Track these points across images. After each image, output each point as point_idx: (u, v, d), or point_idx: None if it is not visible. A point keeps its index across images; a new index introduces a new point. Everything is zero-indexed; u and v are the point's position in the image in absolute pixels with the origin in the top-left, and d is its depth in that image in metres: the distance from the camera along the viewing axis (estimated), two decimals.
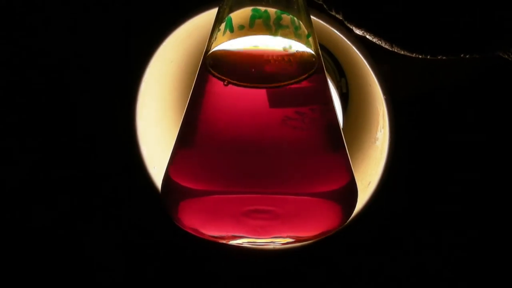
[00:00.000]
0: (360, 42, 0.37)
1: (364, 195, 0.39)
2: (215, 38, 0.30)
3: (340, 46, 0.41)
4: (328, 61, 0.45)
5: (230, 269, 0.50)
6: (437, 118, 0.47)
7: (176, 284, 0.50)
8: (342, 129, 0.43)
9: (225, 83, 0.29)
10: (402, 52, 0.26)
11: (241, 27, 0.29)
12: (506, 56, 0.26)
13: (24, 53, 0.48)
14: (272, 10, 0.29)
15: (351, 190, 0.30)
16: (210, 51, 0.30)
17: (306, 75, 0.29)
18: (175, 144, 0.31)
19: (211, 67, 0.30)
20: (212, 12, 0.38)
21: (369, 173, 0.40)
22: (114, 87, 0.46)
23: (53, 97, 0.48)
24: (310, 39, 0.30)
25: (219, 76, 0.29)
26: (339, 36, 0.37)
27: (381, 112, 0.39)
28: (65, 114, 0.48)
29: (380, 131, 0.40)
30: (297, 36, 0.30)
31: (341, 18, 0.26)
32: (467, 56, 0.26)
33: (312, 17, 0.35)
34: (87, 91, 0.48)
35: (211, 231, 0.29)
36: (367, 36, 0.27)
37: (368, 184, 0.39)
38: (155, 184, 0.40)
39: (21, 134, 0.48)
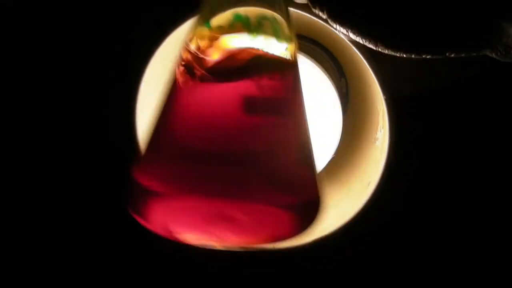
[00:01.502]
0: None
1: (364, 195, 0.39)
2: (193, 32, 0.30)
3: (340, 46, 0.41)
4: (328, 61, 0.45)
5: (224, 273, 0.50)
6: (437, 118, 0.47)
7: (175, 282, 0.50)
8: (342, 129, 0.43)
9: (194, 78, 0.29)
10: (387, 51, 0.26)
11: (220, 27, 0.29)
12: (493, 55, 0.26)
13: (23, 52, 0.48)
14: (253, 16, 0.29)
15: (311, 203, 0.30)
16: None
17: (280, 79, 0.29)
18: (146, 144, 0.31)
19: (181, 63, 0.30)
20: None
21: (369, 173, 0.40)
22: (114, 87, 0.46)
23: (53, 97, 0.48)
24: (290, 46, 0.30)
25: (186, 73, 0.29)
26: (339, 36, 0.37)
27: (381, 112, 0.39)
28: (65, 114, 0.48)
29: (380, 131, 0.40)
30: (278, 41, 0.29)
31: (324, 17, 0.26)
32: (452, 55, 0.26)
33: (311, 16, 0.35)
34: (87, 91, 0.48)
35: (174, 234, 0.29)
36: (351, 35, 0.27)
37: (368, 184, 0.39)
38: None
39: (21, 133, 0.48)
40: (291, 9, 0.31)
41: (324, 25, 0.37)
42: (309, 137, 0.30)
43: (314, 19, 0.35)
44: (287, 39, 0.30)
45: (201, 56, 0.29)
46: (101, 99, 0.48)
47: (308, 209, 0.30)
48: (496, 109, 0.47)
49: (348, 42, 0.37)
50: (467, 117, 0.48)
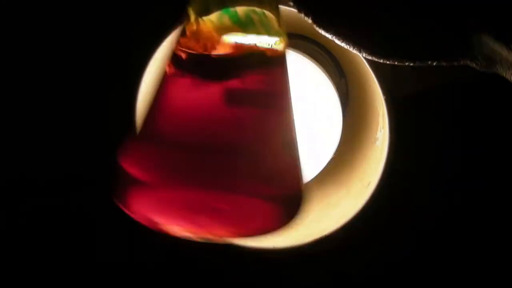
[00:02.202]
0: None
1: (364, 195, 0.39)
2: (183, 27, 0.30)
3: (340, 46, 0.41)
4: (328, 61, 0.45)
5: (227, 270, 0.50)
6: (437, 118, 0.47)
7: (175, 282, 0.50)
8: (342, 129, 0.43)
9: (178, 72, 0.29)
10: (370, 58, 0.26)
11: (209, 20, 0.29)
12: (474, 65, 0.26)
13: (23, 51, 0.48)
14: (241, 10, 0.29)
15: (293, 196, 0.30)
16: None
17: (266, 72, 0.29)
18: (134, 134, 0.31)
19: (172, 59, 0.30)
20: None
21: (369, 173, 0.40)
22: (114, 87, 0.46)
23: (53, 97, 0.48)
24: (279, 40, 0.30)
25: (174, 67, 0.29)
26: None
27: (381, 112, 0.39)
28: (65, 114, 0.48)
29: (380, 131, 0.40)
30: (265, 34, 0.29)
31: (310, 22, 0.27)
32: (434, 64, 0.26)
33: None
34: (87, 91, 0.48)
35: (156, 224, 0.29)
36: (336, 41, 0.27)
37: (368, 184, 0.39)
38: None
39: (21, 134, 0.48)
40: (290, 9, 0.31)
41: None
42: (294, 130, 0.30)
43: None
44: (276, 34, 0.30)
45: (189, 50, 0.29)
46: (101, 99, 0.48)
47: (292, 201, 0.30)
48: (496, 109, 0.47)
49: None
50: (467, 117, 0.48)
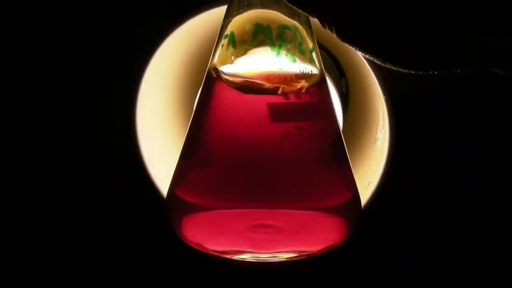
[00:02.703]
0: None
1: (364, 195, 0.39)
2: (219, 54, 0.30)
3: (340, 46, 0.41)
4: (328, 61, 0.45)
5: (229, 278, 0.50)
6: (437, 118, 0.47)
7: (175, 282, 0.50)
8: (342, 129, 0.43)
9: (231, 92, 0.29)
10: (395, 68, 0.26)
11: (244, 42, 0.30)
12: (497, 70, 0.26)
13: (24, 51, 0.48)
14: (274, 25, 0.29)
15: (354, 204, 0.30)
16: (215, 65, 0.30)
17: (308, 89, 0.29)
18: (179, 158, 0.31)
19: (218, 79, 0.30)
20: (212, 12, 0.38)
21: (369, 173, 0.40)
22: (114, 87, 0.46)
23: (53, 97, 0.48)
24: (314, 54, 0.30)
25: (228, 83, 0.29)
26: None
27: (381, 112, 0.39)
28: (65, 114, 0.48)
29: (380, 131, 0.40)
30: (300, 51, 0.30)
31: (334, 34, 0.27)
32: (458, 71, 0.26)
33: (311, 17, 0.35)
34: (87, 91, 0.48)
35: (214, 246, 0.29)
36: (358, 52, 0.27)
37: (368, 184, 0.39)
38: (155, 184, 0.40)
39: (20, 134, 0.48)
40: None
41: None
42: (342, 139, 0.31)
43: (313, 19, 0.36)
44: (310, 49, 0.30)
45: (227, 77, 0.30)
46: (101, 99, 0.48)
47: (351, 210, 0.30)
48: (496, 109, 0.47)
49: None
50: (467, 117, 0.48)
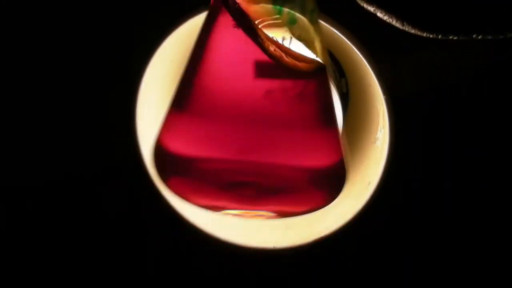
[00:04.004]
0: (360, 42, 0.37)
1: (364, 195, 0.39)
2: None
3: (340, 46, 0.41)
4: (328, 61, 0.45)
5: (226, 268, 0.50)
6: (437, 118, 0.47)
7: (175, 281, 0.50)
8: (342, 129, 0.43)
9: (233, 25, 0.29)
10: (413, 31, 0.26)
11: None
12: None
13: (24, 51, 0.48)
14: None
15: (338, 170, 0.30)
16: None
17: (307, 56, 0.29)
18: (169, 106, 0.31)
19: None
20: None
21: (369, 173, 0.40)
22: (114, 87, 0.46)
23: (53, 96, 0.48)
24: (315, 15, 0.30)
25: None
26: (340, 36, 0.37)
27: (381, 112, 0.39)
28: (65, 114, 0.48)
29: (380, 131, 0.40)
30: (301, 11, 0.29)
31: None
32: (479, 37, 0.25)
33: None
34: (88, 91, 0.48)
35: (199, 201, 0.29)
36: (378, 14, 0.26)
37: (368, 184, 0.39)
38: (155, 184, 0.40)
39: (21, 134, 0.48)
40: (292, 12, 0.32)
41: (324, 25, 0.37)
42: (334, 106, 0.30)
43: None
44: (310, 10, 0.30)
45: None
46: (102, 98, 0.48)
47: (335, 177, 0.30)
48: (496, 109, 0.47)
49: (349, 42, 0.37)
50: (467, 117, 0.48)
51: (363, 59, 0.37)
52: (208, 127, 0.29)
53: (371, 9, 0.26)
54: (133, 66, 0.40)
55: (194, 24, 0.39)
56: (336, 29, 0.37)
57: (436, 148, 0.48)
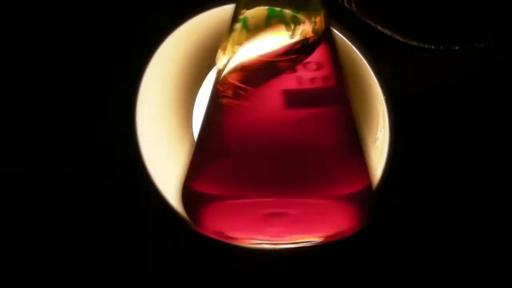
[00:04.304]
0: (360, 42, 0.37)
1: None
2: (232, 39, 0.30)
3: (341, 46, 0.41)
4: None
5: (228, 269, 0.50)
6: (437, 118, 0.47)
7: (175, 281, 0.50)
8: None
9: (242, 91, 0.29)
10: (415, 43, 0.26)
11: (257, 26, 0.29)
12: None
13: (24, 51, 0.48)
14: (287, 11, 0.29)
15: (368, 193, 0.30)
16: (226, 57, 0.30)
17: (323, 73, 0.29)
18: (194, 150, 0.31)
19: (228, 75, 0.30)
20: (212, 12, 0.38)
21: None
22: (114, 87, 0.46)
23: (53, 96, 0.48)
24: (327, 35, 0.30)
25: (238, 84, 0.29)
26: (339, 36, 0.37)
27: (381, 112, 0.39)
28: (65, 114, 0.48)
29: (380, 131, 0.40)
30: (314, 32, 0.29)
31: (354, 10, 0.26)
32: (481, 46, 0.26)
33: None
34: (88, 91, 0.48)
35: (232, 234, 0.29)
36: (379, 28, 0.27)
37: None
38: (155, 184, 0.40)
39: (21, 134, 0.48)
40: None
41: None
42: (356, 125, 0.30)
43: None
44: (324, 28, 0.29)
45: (239, 67, 0.29)
46: (101, 99, 0.48)
47: (366, 198, 0.30)
48: (496, 109, 0.47)
49: (348, 42, 0.37)
50: (466, 117, 0.48)
51: (363, 59, 0.37)
52: (235, 163, 0.29)
53: (372, 24, 0.26)
54: (133, 66, 0.40)
55: (194, 24, 0.39)
56: (336, 29, 0.37)
57: (436, 148, 0.48)
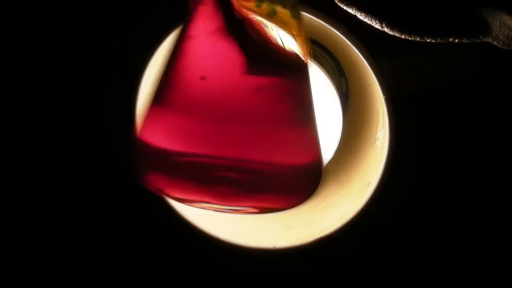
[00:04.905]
0: (360, 42, 0.37)
1: (364, 195, 0.39)
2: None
3: (340, 46, 0.41)
4: (328, 61, 0.45)
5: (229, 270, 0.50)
6: (437, 118, 0.47)
7: (175, 281, 0.50)
8: (342, 129, 0.43)
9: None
10: (392, 33, 0.26)
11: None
12: (496, 43, 0.26)
13: (24, 51, 0.48)
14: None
15: (315, 167, 0.30)
16: None
17: (285, 47, 0.29)
18: (150, 103, 0.31)
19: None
20: None
21: (369, 173, 0.40)
22: (114, 87, 0.46)
23: (53, 97, 0.48)
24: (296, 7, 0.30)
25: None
26: (339, 36, 0.37)
27: (381, 112, 0.39)
28: (66, 115, 0.48)
29: (380, 131, 0.40)
30: (282, 3, 0.29)
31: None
32: (456, 41, 0.26)
33: (312, 17, 0.35)
34: (88, 91, 0.48)
35: (176, 193, 0.29)
36: (358, 15, 0.27)
37: (368, 184, 0.39)
38: None
39: (21, 134, 0.49)
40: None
41: (324, 25, 0.37)
42: (312, 102, 0.31)
43: (314, 20, 0.35)
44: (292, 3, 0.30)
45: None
46: (101, 98, 0.48)
47: (312, 173, 0.30)
48: (496, 109, 0.47)
49: (348, 42, 0.37)
50: (466, 117, 0.48)
51: (363, 59, 0.37)
52: (188, 121, 0.29)
53: (351, 11, 0.26)
54: (133, 66, 0.40)
55: None
56: (336, 29, 0.37)
57: (436, 148, 0.48)
